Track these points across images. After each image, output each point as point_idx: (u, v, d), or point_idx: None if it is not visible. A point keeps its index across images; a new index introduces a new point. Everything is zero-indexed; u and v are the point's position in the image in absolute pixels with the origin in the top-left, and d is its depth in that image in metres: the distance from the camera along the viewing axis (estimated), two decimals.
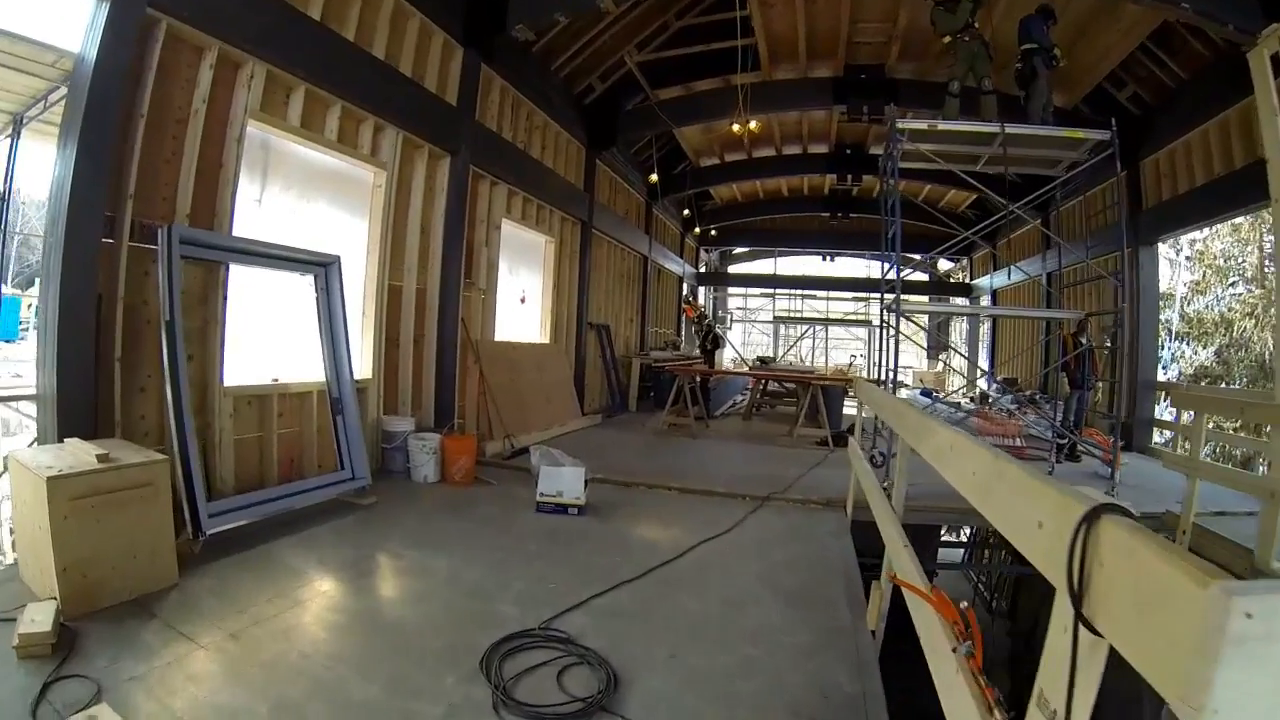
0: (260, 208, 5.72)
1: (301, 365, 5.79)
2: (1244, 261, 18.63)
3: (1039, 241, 16.27)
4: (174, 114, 4.73)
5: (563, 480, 5.42)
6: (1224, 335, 18.13)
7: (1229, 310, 18.36)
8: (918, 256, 23.49)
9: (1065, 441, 8.80)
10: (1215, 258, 19.06)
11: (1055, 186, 8.29)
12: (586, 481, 5.48)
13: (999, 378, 16.55)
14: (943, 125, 7.25)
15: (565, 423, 9.60)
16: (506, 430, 7.98)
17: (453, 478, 6.20)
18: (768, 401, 13.37)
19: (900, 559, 2.73)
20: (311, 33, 5.64)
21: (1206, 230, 17.06)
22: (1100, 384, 9.54)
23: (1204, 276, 19.24)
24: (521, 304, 9.89)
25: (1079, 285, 10.74)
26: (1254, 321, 17.46)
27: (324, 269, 5.64)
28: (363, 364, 6.52)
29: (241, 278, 5.26)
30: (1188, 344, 18.84)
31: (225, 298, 5.01)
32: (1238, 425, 11.31)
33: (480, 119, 8.19)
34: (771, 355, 16.94)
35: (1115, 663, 0.99)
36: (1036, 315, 9.51)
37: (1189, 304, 19.35)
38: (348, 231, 6.51)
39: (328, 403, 5.75)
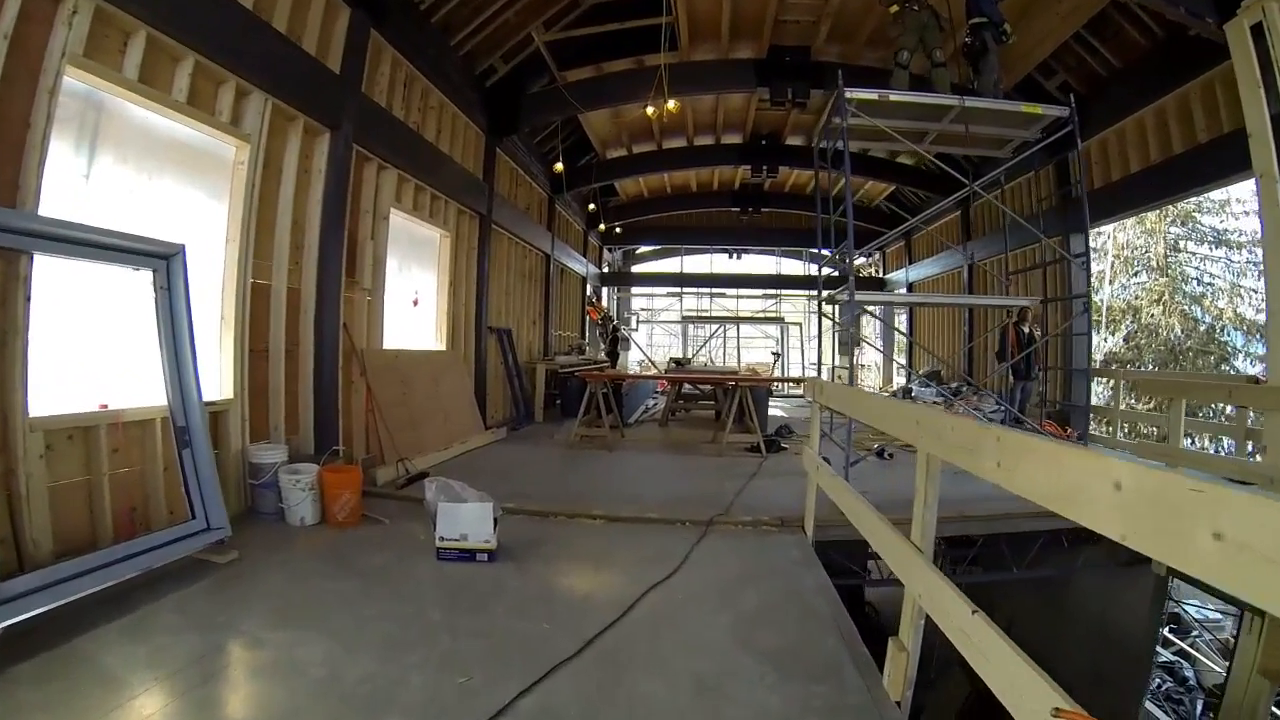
0: (88, 184, 4.65)
1: (141, 386, 4.73)
2: (1148, 252, 19.65)
3: (955, 234, 16.57)
4: None
5: (466, 520, 4.52)
6: (1132, 321, 19.09)
7: (1135, 299, 19.34)
8: (826, 252, 24.14)
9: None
10: (1122, 248, 20.08)
11: (1003, 170, 8.07)
12: (496, 519, 4.61)
13: (921, 371, 16.68)
14: (895, 96, 6.82)
15: (467, 439, 8.71)
16: (400, 453, 7.05)
17: (335, 518, 5.26)
18: (682, 406, 12.82)
19: (986, 643, 2.04)
20: None
21: (1112, 224, 17.81)
22: (1041, 373, 9.56)
23: (1111, 266, 20.21)
24: (414, 306, 8.93)
25: (1020, 274, 10.76)
26: (1161, 308, 18.47)
27: (165, 262, 4.60)
28: (222, 381, 5.50)
29: (55, 273, 4.19)
30: (1097, 331, 19.77)
31: (29, 298, 3.92)
32: (1150, 406, 11.68)
33: (368, 92, 7.25)
34: (685, 356, 16.37)
35: None
36: (991, 303, 9.34)
37: (1096, 293, 20.37)
38: (203, 217, 5.47)
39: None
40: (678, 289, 23.53)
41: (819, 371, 23.25)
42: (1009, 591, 7.35)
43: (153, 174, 5.11)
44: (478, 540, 4.47)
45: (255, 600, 3.82)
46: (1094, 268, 17.29)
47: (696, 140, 15.16)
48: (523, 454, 8.68)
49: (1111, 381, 12.72)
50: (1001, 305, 9.28)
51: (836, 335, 25.73)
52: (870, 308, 9.89)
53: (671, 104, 9.46)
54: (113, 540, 4.39)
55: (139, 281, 4.62)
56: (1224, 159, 7.47)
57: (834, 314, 7.25)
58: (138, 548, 4.21)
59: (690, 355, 18.97)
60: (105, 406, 4.59)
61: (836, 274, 24.15)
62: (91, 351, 4.65)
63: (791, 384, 15.95)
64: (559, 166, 13.04)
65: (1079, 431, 9.12)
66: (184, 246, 4.68)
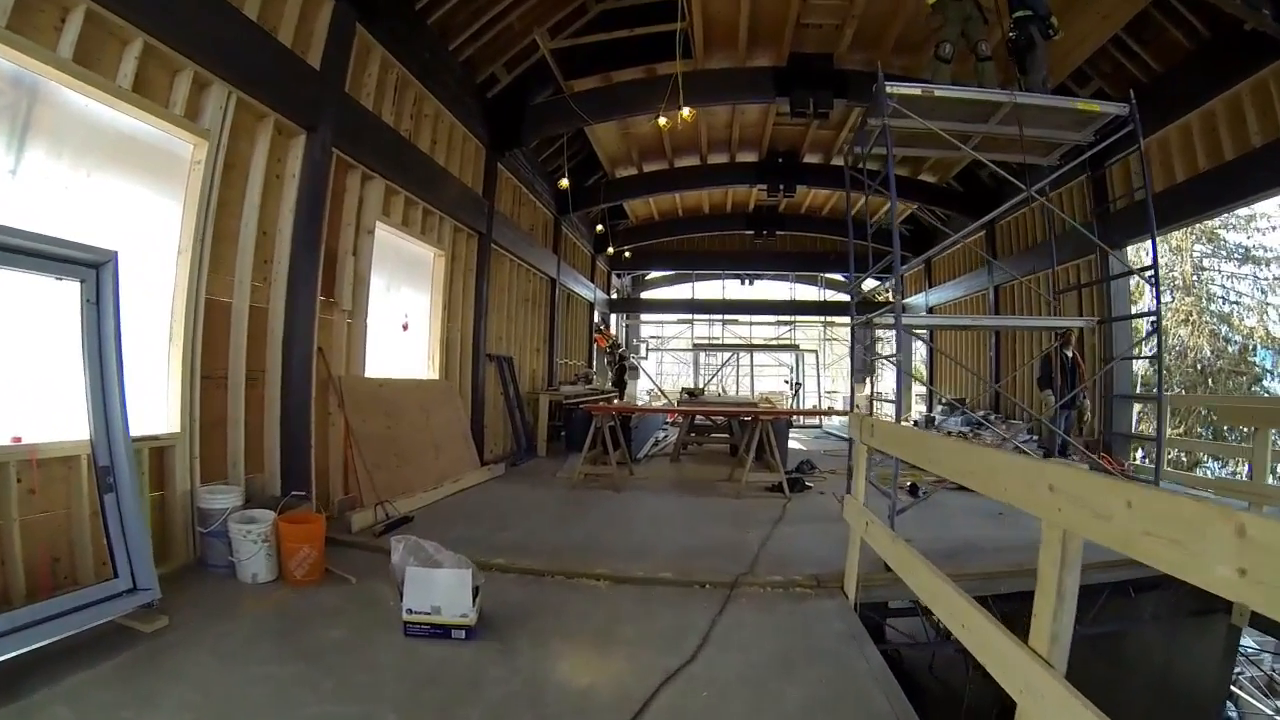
0: (14, 180, 4.02)
1: (66, 417, 4.06)
2: (1174, 271, 18.95)
3: (971, 256, 15.92)
4: None
5: (440, 589, 3.70)
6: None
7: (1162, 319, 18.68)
8: (840, 276, 23.52)
9: None
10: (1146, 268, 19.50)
11: (1049, 179, 7.33)
12: (476, 588, 3.84)
13: (945, 398, 15.98)
14: (940, 92, 6.12)
15: (460, 476, 7.98)
16: (380, 494, 6.33)
17: (293, 575, 4.51)
18: (694, 439, 12.03)
19: None
20: None
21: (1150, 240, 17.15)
22: (1086, 400, 8.84)
23: (1136, 285, 19.56)
24: (404, 331, 8.26)
25: (1060, 295, 10.04)
26: (1189, 328, 17.71)
27: (94, 272, 3.92)
28: (169, 411, 4.81)
29: None
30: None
31: None
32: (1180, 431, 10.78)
33: (352, 92, 6.65)
34: (697, 386, 15.64)
35: None
36: (1048, 324, 8.54)
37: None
38: (154, 223, 4.82)
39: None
40: (689, 315, 22.86)
41: (831, 400, 22.59)
42: None
43: (93, 170, 4.47)
44: (453, 614, 3.69)
45: (171, 690, 3.07)
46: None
47: (710, 158, 14.58)
48: (521, 494, 7.92)
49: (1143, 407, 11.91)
50: (1057, 327, 8.55)
51: (853, 363, 25.27)
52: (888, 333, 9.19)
53: (686, 111, 8.84)
54: (26, 598, 3.71)
55: (65, 294, 3.96)
56: None
57: (865, 338, 6.57)
58: (44, 612, 3.47)
59: (703, 385, 18.22)
60: (19, 440, 3.92)
61: (858, 299, 23.68)
62: (3, 376, 3.98)
63: (819, 417, 15.08)
64: (564, 183, 12.42)
65: (1125, 464, 8.46)
66: (116, 254, 4.00)
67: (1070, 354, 8.85)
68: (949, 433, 13.88)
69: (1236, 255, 20.03)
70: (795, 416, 14.82)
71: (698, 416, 11.80)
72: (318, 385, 6.21)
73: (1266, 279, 19.49)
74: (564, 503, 7.49)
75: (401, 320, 8.24)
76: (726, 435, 12.15)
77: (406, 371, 8.21)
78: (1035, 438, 11.45)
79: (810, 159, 14.51)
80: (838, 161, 14.43)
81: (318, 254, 6.17)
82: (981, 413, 14.20)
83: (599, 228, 17.38)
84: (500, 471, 9.16)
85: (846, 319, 24.62)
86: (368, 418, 6.71)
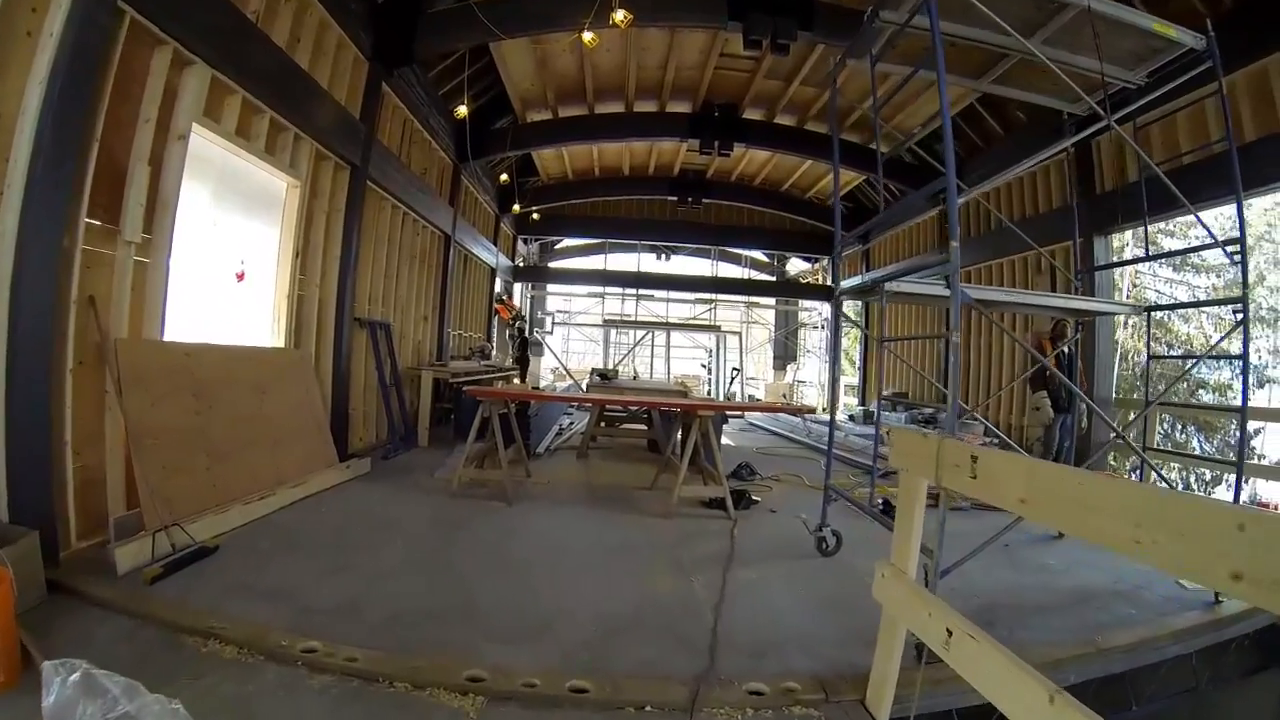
0: None
1: None
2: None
3: (929, 237, 14.95)
4: None
5: None
6: None
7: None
8: (758, 254, 22.34)
9: None
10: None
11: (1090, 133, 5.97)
12: None
13: (886, 391, 14.95)
14: None
15: (307, 477, 6.13)
16: (172, 512, 4.46)
17: None
18: (603, 430, 10.39)
19: None
20: None
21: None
22: (1082, 404, 7.75)
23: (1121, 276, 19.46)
24: (239, 282, 6.31)
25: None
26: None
27: None
28: None
29: None
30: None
31: None
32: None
33: None
34: (610, 368, 13.97)
35: None
36: (1057, 304, 7.03)
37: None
38: None
39: None
40: (600, 289, 21.15)
41: (752, 388, 21.42)
42: None
43: None
44: None
45: None
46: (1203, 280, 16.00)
47: (637, 105, 12.89)
48: (383, 505, 6.08)
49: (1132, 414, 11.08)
50: (1111, 311, 7.31)
51: (773, 348, 24.26)
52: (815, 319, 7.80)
53: (620, 14, 7.14)
54: None
55: None
56: None
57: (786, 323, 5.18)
58: None
59: (615, 366, 16.61)
60: None
61: (776, 279, 22.56)
62: None
63: (760, 411, 13.51)
64: (464, 110, 10.48)
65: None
66: None
67: (1067, 350, 7.76)
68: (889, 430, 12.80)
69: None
70: (742, 412, 13.16)
71: (612, 407, 10.21)
72: (75, 350, 4.28)
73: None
74: (436, 522, 5.69)
75: (236, 268, 6.28)
76: (643, 427, 10.63)
77: (239, 337, 6.27)
78: (993, 441, 10.43)
79: (752, 114, 13.03)
80: (783, 120, 13.11)
81: (85, 154, 4.22)
82: (930, 409, 13.23)
83: (504, 177, 15.40)
84: (365, 469, 7.29)
85: (772, 300, 23.82)
86: (162, 400, 4.79)
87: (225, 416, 5.41)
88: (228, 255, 6.17)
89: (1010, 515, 3.12)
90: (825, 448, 10.90)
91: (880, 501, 6.44)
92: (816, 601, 4.31)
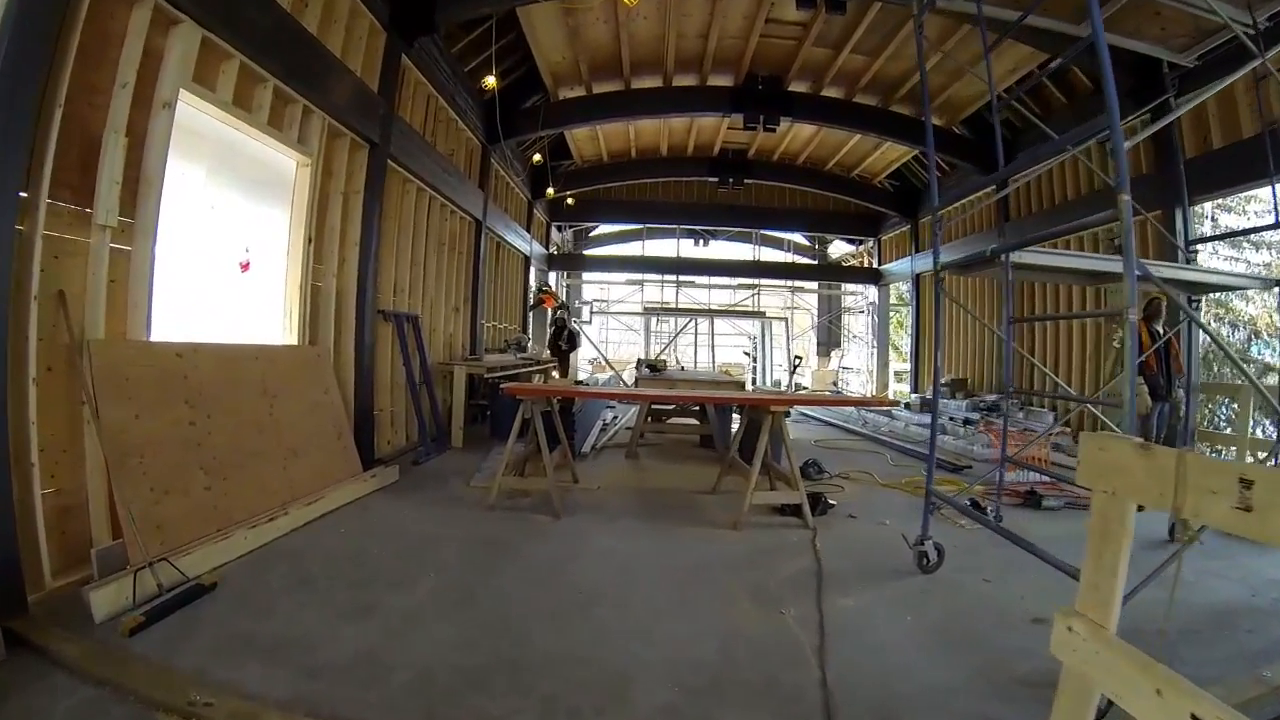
0: None
1: None
2: None
3: (977, 217, 14.08)
4: None
5: None
6: None
7: None
8: (797, 237, 21.45)
9: None
10: None
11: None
12: None
13: (945, 379, 14.10)
14: None
15: (324, 492, 5.47)
16: (163, 541, 3.82)
17: None
18: (650, 426, 9.60)
19: None
20: None
21: None
22: (1180, 390, 6.99)
23: None
24: (243, 273, 5.66)
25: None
26: None
27: None
28: None
29: None
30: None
31: None
32: None
33: None
34: (659, 359, 13.14)
35: None
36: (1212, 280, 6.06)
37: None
38: None
39: None
40: (639, 275, 20.35)
41: (800, 377, 20.53)
42: None
43: None
44: None
45: None
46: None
47: (676, 79, 12.06)
48: (411, 522, 5.36)
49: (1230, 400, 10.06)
50: (1236, 286, 6.50)
51: (817, 334, 23.31)
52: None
53: None
54: None
55: None
56: None
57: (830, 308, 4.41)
58: None
59: (659, 356, 15.82)
60: None
61: (817, 262, 21.69)
62: None
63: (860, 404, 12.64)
64: (491, 81, 9.70)
65: None
66: None
67: (1161, 329, 6.89)
68: (950, 418, 11.92)
69: None
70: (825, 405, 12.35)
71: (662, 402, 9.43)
72: (42, 355, 3.64)
73: None
74: (474, 543, 4.94)
75: (240, 256, 5.64)
76: (695, 421, 9.85)
77: (245, 334, 5.61)
78: (1066, 429, 9.53)
79: (797, 87, 12.16)
80: (830, 92, 12.25)
81: (44, 124, 3.56)
82: (993, 396, 12.26)
83: (536, 158, 14.64)
84: (393, 478, 6.62)
85: (814, 285, 22.89)
86: (149, 410, 4.14)
87: (227, 426, 4.75)
88: (230, 243, 5.53)
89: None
90: (886, 439, 10.12)
91: (968, 501, 5.68)
92: (932, 635, 3.53)
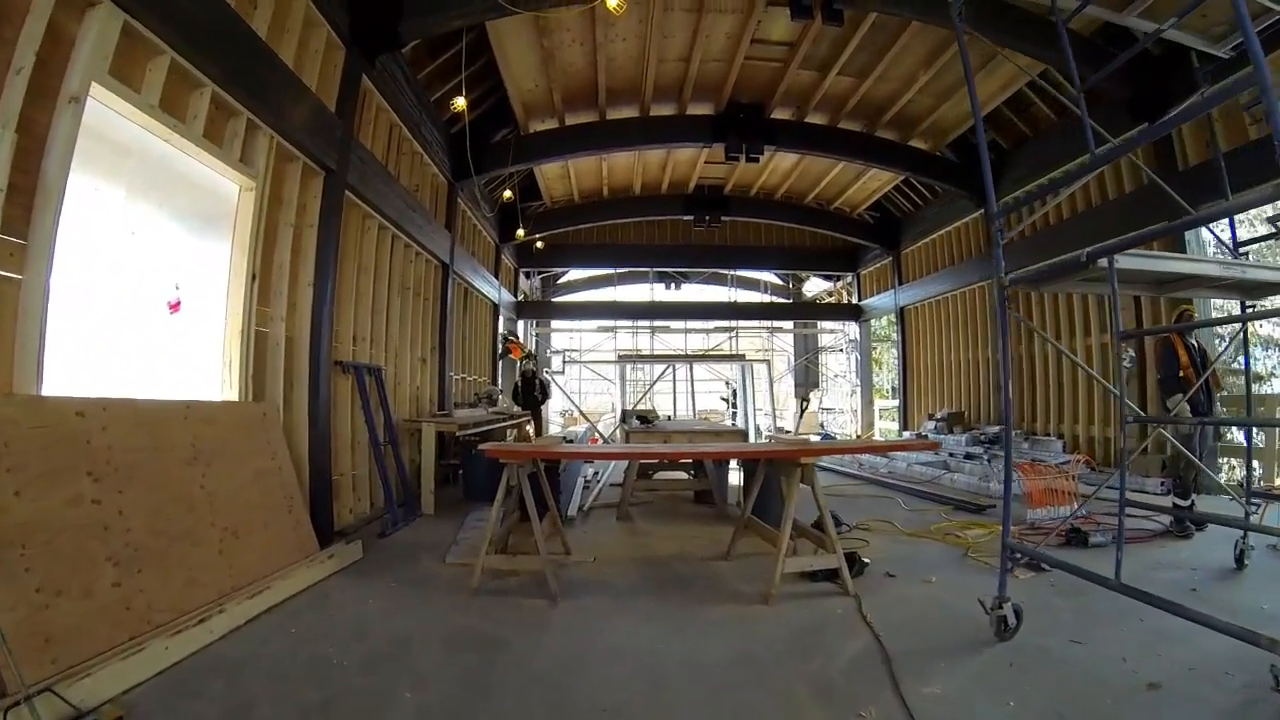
0: None
1: None
2: None
3: (959, 245, 13.91)
4: None
5: None
6: None
7: None
8: (770, 276, 20.97)
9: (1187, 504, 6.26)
10: None
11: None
12: None
13: (940, 413, 13.65)
14: None
15: (270, 580, 4.51)
16: (54, 659, 2.87)
17: None
18: (639, 484, 8.64)
19: None
20: None
21: None
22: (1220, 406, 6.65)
23: None
24: (172, 314, 4.75)
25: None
26: None
27: None
28: None
29: None
30: None
31: None
32: None
33: None
34: (648, 409, 12.25)
35: None
36: None
37: None
38: None
39: None
40: (611, 322, 19.64)
41: (781, 420, 19.85)
42: None
43: None
44: None
45: None
46: None
47: (654, 109, 11.50)
48: (377, 619, 4.32)
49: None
50: None
51: (794, 376, 22.68)
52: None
53: None
54: None
55: None
56: None
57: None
58: None
59: (643, 405, 14.99)
60: None
61: (792, 301, 21.19)
62: None
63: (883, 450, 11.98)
64: (460, 102, 8.96)
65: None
66: None
67: (1196, 343, 6.52)
68: (950, 455, 11.27)
69: None
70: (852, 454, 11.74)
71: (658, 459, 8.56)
72: None
73: None
74: (455, 642, 3.95)
75: (169, 295, 4.74)
76: (686, 475, 8.98)
77: (174, 388, 4.68)
78: (1077, 458, 8.94)
79: (780, 114, 11.71)
80: (814, 119, 11.84)
81: None
82: (994, 428, 11.71)
83: (507, 194, 13.93)
84: (355, 555, 5.64)
85: (789, 325, 22.36)
86: (35, 484, 3.20)
87: (145, 503, 3.80)
88: (156, 278, 4.63)
89: None
90: (888, 481, 9.46)
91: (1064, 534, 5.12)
92: None
